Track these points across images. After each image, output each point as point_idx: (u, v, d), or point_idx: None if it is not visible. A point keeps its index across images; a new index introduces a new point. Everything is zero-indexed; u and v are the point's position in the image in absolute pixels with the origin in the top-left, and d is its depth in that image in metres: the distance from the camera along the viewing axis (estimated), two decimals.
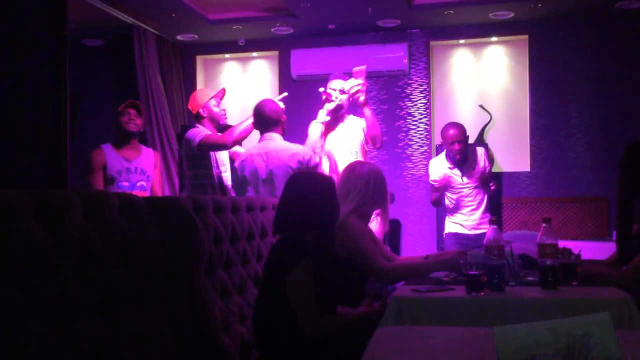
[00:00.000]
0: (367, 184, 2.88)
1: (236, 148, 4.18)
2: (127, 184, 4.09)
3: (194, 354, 2.13)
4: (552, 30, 5.69)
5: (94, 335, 1.62)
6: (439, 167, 4.62)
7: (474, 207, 4.59)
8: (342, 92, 4.13)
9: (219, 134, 4.04)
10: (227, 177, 4.10)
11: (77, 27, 5.49)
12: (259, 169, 3.64)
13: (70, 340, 1.53)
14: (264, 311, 2.33)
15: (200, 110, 4.07)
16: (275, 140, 3.72)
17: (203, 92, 4.33)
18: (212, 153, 3.99)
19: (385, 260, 2.83)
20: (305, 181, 2.45)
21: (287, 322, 2.24)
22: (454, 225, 4.66)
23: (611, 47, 5.55)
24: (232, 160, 4.13)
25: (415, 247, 5.66)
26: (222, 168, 4.07)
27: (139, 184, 4.15)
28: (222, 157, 4.11)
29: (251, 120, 3.89)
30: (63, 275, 1.55)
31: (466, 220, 4.60)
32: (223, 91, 4.30)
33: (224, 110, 4.24)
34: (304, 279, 2.22)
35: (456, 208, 4.63)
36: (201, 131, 3.94)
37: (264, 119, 3.76)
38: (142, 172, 4.18)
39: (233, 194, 4.01)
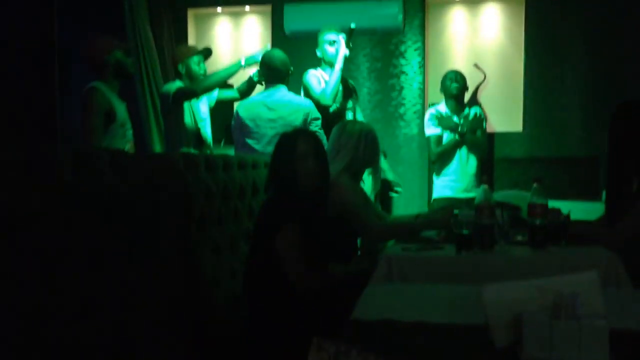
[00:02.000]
0: (358, 143, 2.88)
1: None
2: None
3: (185, 308, 2.16)
4: None
5: (83, 289, 1.63)
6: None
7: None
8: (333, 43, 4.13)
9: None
10: (205, 132, 4.07)
11: None
12: (260, 117, 3.63)
13: (60, 293, 1.54)
14: (253, 268, 2.35)
15: (179, 66, 4.04)
16: (282, 92, 3.71)
17: (186, 47, 4.29)
18: (187, 108, 3.95)
19: (376, 219, 2.84)
20: (295, 141, 2.44)
21: (276, 279, 2.26)
22: None
23: (608, 8, 5.48)
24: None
25: (406, 206, 5.69)
26: (200, 124, 4.04)
27: (131, 132, 3.73)
28: (201, 112, 4.07)
29: (229, 70, 3.89)
30: (53, 232, 1.55)
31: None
32: (208, 50, 4.25)
33: (206, 71, 4.18)
34: (292, 237, 2.23)
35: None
36: (174, 85, 3.93)
37: (273, 70, 3.73)
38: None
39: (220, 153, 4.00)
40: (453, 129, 4.57)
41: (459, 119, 4.61)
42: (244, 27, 6.39)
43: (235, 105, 3.83)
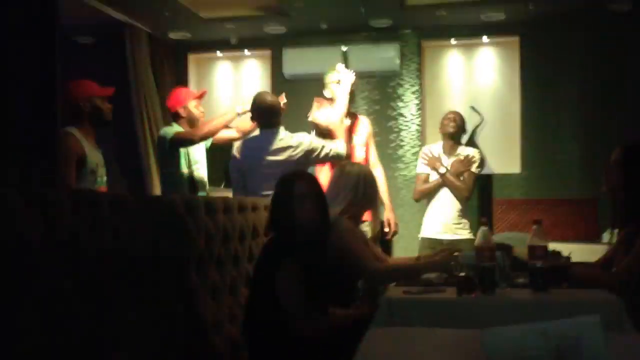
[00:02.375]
0: (357, 185, 2.88)
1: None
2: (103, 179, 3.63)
3: (184, 353, 2.13)
4: (543, 32, 5.70)
5: (84, 334, 1.61)
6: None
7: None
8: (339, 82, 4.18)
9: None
10: (199, 174, 4.08)
11: (69, 24, 5.45)
12: (259, 161, 3.61)
13: (60, 338, 1.52)
14: (254, 310, 2.33)
15: (180, 109, 4.06)
16: (279, 134, 3.69)
17: (185, 91, 4.32)
18: (183, 152, 3.96)
19: (376, 261, 2.83)
20: (294, 183, 2.45)
21: (276, 321, 2.24)
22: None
23: (602, 49, 5.57)
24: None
25: (406, 248, 5.67)
26: (194, 166, 4.04)
27: (105, 179, 3.69)
28: (196, 154, 4.08)
29: (225, 117, 3.91)
30: (53, 274, 1.54)
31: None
32: (204, 92, 4.30)
33: (203, 112, 4.21)
34: (292, 278, 2.22)
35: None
36: (172, 130, 3.95)
37: (268, 114, 3.74)
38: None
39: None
40: (435, 168, 4.61)
41: (448, 159, 4.63)
42: (244, 70, 6.48)
43: (234, 147, 3.83)
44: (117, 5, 5.24)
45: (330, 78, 4.22)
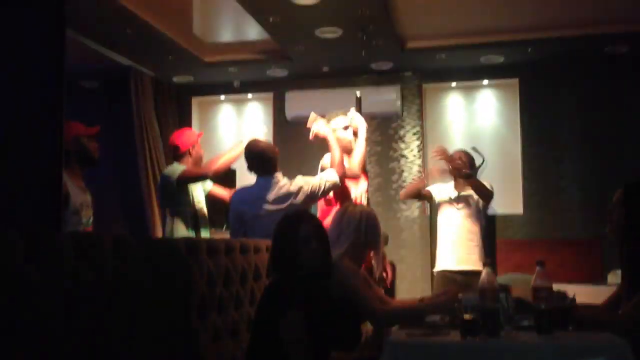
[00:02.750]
0: (359, 226, 2.87)
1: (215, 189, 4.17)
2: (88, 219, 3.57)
3: None
4: (542, 74, 5.78)
5: None
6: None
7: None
8: (347, 127, 3.96)
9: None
10: (203, 212, 4.06)
11: (74, 68, 5.54)
12: (258, 210, 3.55)
13: None
14: (255, 354, 2.30)
15: (191, 149, 4.06)
16: (277, 181, 3.60)
17: (193, 131, 4.35)
18: (187, 191, 3.96)
19: (379, 303, 2.80)
20: (298, 224, 2.44)
21: None
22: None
23: (600, 91, 5.64)
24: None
25: (409, 289, 5.62)
26: (197, 205, 4.03)
27: (91, 220, 3.63)
28: (199, 194, 4.08)
29: (234, 151, 3.88)
30: (54, 317, 1.53)
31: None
32: (201, 134, 4.34)
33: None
34: (296, 321, 2.20)
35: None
36: (178, 168, 3.95)
37: (264, 161, 3.64)
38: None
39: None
40: (460, 171, 4.48)
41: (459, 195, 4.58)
42: (247, 113, 6.55)
43: (233, 197, 3.75)
44: (121, 50, 5.33)
45: (336, 123, 3.93)
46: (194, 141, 4.07)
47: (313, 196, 3.60)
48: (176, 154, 4.05)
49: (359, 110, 4.09)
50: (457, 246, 4.51)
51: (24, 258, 1.48)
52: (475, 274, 4.28)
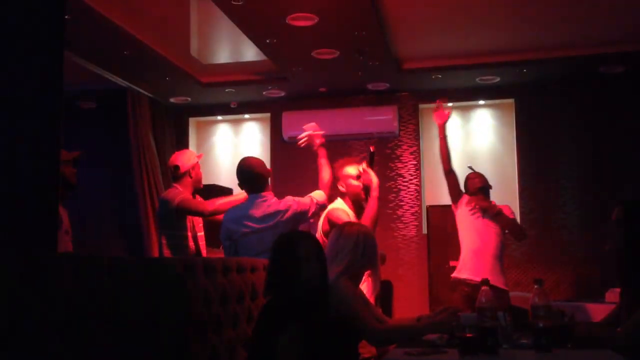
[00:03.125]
0: (357, 245, 2.87)
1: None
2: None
3: None
4: (537, 94, 5.83)
5: None
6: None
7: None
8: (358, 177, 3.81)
9: (195, 197, 3.99)
10: (201, 236, 4.05)
11: (72, 89, 5.56)
12: (248, 232, 3.55)
13: None
14: None
15: (191, 170, 4.03)
16: (268, 200, 3.61)
17: (192, 152, 4.32)
18: (190, 221, 3.95)
19: (376, 322, 2.79)
20: (298, 244, 2.44)
21: None
22: None
23: (596, 110, 5.68)
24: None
25: (407, 308, 5.60)
26: (198, 234, 4.02)
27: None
28: (199, 222, 4.07)
29: (237, 197, 3.81)
30: (50, 337, 1.53)
31: None
32: (201, 156, 4.32)
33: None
34: (294, 342, 2.18)
35: None
36: (180, 193, 3.90)
37: (256, 180, 3.65)
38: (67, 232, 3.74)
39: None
40: (487, 210, 4.42)
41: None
42: (243, 133, 6.58)
43: (224, 218, 3.72)
44: (119, 71, 5.37)
45: (347, 172, 3.79)
46: (194, 162, 4.04)
47: (301, 215, 3.59)
48: (176, 174, 4.00)
49: (370, 165, 3.90)
50: (480, 260, 4.37)
51: (20, 278, 1.47)
52: (496, 290, 4.24)
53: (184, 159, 4.06)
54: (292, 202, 3.58)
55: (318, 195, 3.66)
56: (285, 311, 2.27)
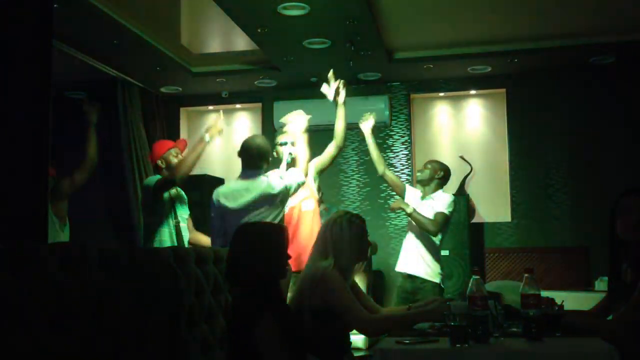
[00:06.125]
0: (345, 235, 2.86)
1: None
2: None
3: None
4: (528, 84, 5.84)
5: None
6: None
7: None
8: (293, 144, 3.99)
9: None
10: (184, 227, 4.05)
11: (61, 79, 5.52)
12: (243, 201, 3.57)
13: None
14: None
15: (159, 161, 4.08)
16: (259, 177, 3.64)
17: (162, 143, 4.33)
18: (168, 205, 3.95)
19: (368, 312, 2.80)
20: (277, 234, 2.43)
21: None
22: None
23: (587, 100, 5.70)
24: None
25: None
26: (180, 218, 4.02)
27: None
28: (182, 212, 4.07)
29: (197, 150, 3.85)
30: (39, 329, 1.52)
31: None
32: (184, 142, 4.32)
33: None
34: (270, 334, 2.17)
35: None
36: (155, 178, 3.96)
37: (250, 157, 3.70)
38: None
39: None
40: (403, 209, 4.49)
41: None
42: (235, 123, 6.55)
43: (215, 193, 3.72)
44: (109, 61, 5.33)
45: (279, 140, 4.03)
46: (159, 153, 4.10)
47: (286, 197, 3.66)
48: (153, 165, 4.14)
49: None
50: (406, 250, 4.53)
51: (9, 269, 1.46)
52: (416, 279, 4.36)
53: (155, 150, 4.17)
54: (283, 185, 3.64)
55: (298, 175, 3.75)
56: (253, 303, 2.24)
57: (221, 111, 4.08)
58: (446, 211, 4.41)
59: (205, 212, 4.20)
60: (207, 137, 3.87)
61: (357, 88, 6.05)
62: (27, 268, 1.52)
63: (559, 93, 5.78)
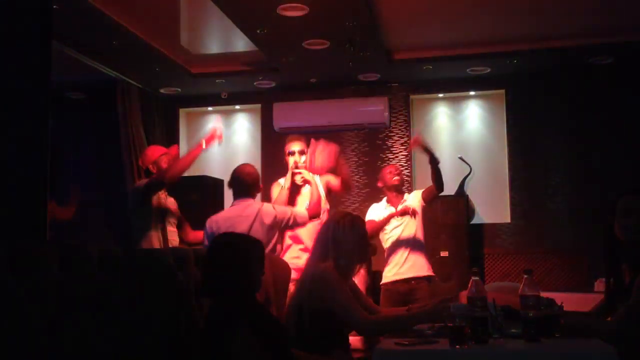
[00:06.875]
0: (347, 236, 2.86)
1: None
2: None
3: None
4: (527, 85, 5.84)
5: None
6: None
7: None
8: (302, 152, 4.14)
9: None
10: (172, 231, 4.07)
11: (61, 80, 5.52)
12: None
13: None
14: None
15: (150, 166, 4.11)
16: (251, 204, 3.69)
17: (154, 148, 4.36)
18: (155, 210, 3.96)
19: (366, 312, 2.80)
20: (256, 245, 2.42)
21: None
22: None
23: (586, 101, 5.70)
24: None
25: None
26: (167, 222, 4.05)
27: None
28: (170, 217, 4.09)
29: (192, 154, 3.91)
30: (38, 329, 1.52)
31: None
32: (175, 148, 4.34)
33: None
34: (248, 348, 2.16)
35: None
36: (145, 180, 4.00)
37: (242, 185, 3.74)
38: None
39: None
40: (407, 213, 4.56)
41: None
42: (234, 124, 6.55)
43: (208, 222, 3.75)
44: (108, 61, 5.32)
45: (292, 146, 4.21)
46: (150, 158, 4.13)
47: (277, 227, 3.68)
48: (144, 172, 4.18)
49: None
50: (395, 259, 4.56)
51: (9, 269, 1.46)
52: (409, 280, 4.37)
53: (143, 157, 4.19)
54: (282, 213, 3.72)
55: (300, 213, 3.86)
56: (229, 316, 2.21)
57: (221, 125, 4.12)
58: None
59: (205, 213, 4.20)
60: (204, 144, 3.90)
61: (356, 89, 6.05)
62: (27, 268, 1.52)
63: (558, 94, 5.78)
